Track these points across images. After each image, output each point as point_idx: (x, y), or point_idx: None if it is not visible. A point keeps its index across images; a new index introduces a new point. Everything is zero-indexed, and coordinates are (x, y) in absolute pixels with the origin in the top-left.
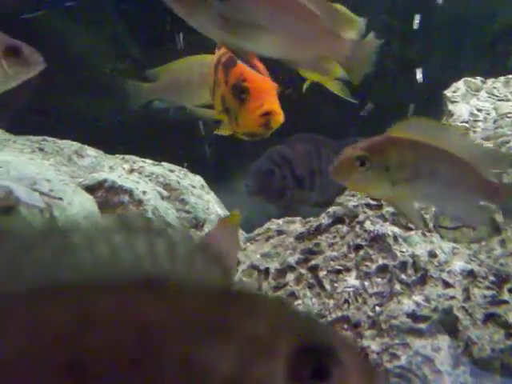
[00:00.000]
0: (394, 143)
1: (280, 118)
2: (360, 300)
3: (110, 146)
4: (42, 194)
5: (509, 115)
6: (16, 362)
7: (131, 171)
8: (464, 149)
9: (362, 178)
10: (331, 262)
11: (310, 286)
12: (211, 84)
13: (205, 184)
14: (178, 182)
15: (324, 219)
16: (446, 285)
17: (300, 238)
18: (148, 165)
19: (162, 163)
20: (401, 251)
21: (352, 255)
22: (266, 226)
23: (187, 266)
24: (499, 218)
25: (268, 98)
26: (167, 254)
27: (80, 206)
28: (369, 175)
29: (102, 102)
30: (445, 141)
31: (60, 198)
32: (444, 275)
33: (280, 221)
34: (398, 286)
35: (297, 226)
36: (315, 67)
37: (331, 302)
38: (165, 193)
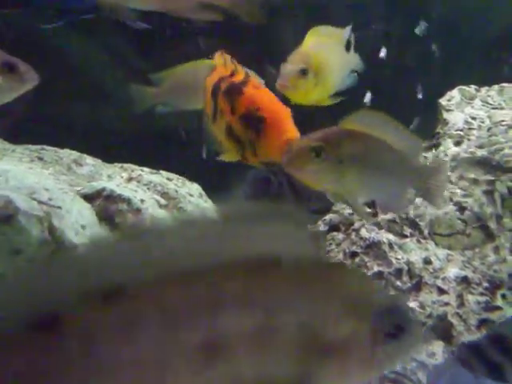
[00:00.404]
0: (349, 135)
1: None
2: None
3: (108, 155)
4: (40, 202)
5: (503, 123)
6: (152, 347)
7: (129, 180)
8: (400, 139)
9: (317, 169)
10: None
11: None
12: (208, 111)
13: (203, 192)
14: (176, 191)
15: (320, 227)
16: (441, 291)
17: None
18: (146, 173)
19: (161, 172)
20: (396, 258)
21: (348, 262)
22: None
23: (296, 246)
24: (493, 224)
25: (287, 125)
26: (280, 234)
27: (78, 214)
28: (324, 167)
29: (101, 110)
30: (385, 132)
31: (58, 207)
32: (439, 282)
33: None
34: (393, 293)
35: None
36: (201, 15)
37: None
38: (162, 201)
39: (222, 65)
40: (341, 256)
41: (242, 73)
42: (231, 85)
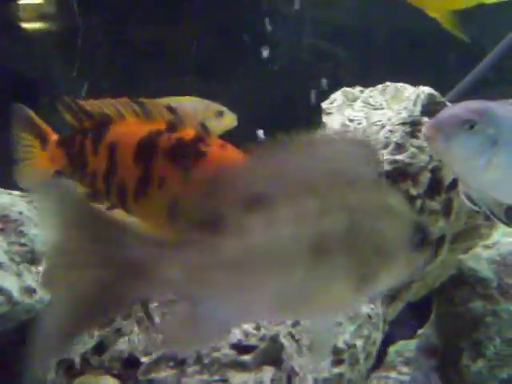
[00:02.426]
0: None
1: None
2: None
3: None
4: None
5: (377, 123)
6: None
7: None
8: None
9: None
10: None
11: (139, 321)
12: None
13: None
14: (21, 213)
15: None
16: None
17: None
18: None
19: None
20: None
21: None
22: None
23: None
24: None
25: None
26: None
27: None
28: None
29: None
30: None
31: None
32: None
33: None
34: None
35: None
36: None
37: (159, 337)
38: None
39: (134, 114)
40: None
41: (189, 124)
42: (180, 142)
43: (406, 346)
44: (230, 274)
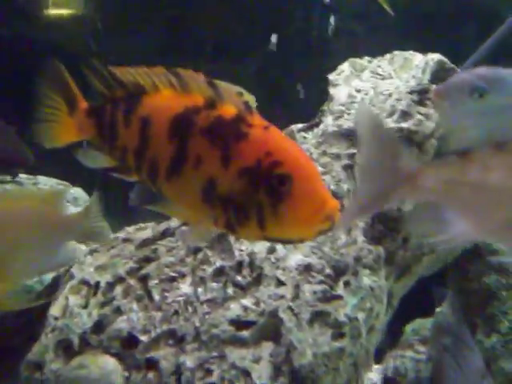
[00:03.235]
0: None
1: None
2: (190, 309)
3: None
4: None
5: (384, 92)
6: None
7: None
8: None
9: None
10: (165, 269)
11: (138, 299)
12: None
13: (82, 197)
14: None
15: (174, 221)
16: (279, 283)
17: (143, 244)
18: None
19: (34, 177)
20: (240, 250)
21: (189, 259)
22: (115, 235)
23: None
24: (348, 201)
25: (322, 188)
26: None
27: None
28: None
29: None
30: None
31: None
32: (279, 272)
33: (131, 228)
34: (230, 290)
35: (147, 232)
36: None
37: (159, 314)
38: None
39: (170, 85)
40: (183, 253)
41: (230, 101)
42: (220, 121)
43: (423, 325)
44: (471, 192)
